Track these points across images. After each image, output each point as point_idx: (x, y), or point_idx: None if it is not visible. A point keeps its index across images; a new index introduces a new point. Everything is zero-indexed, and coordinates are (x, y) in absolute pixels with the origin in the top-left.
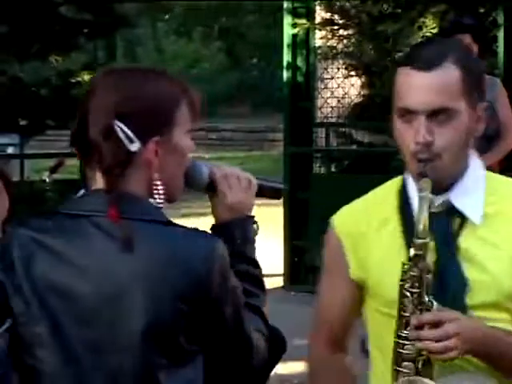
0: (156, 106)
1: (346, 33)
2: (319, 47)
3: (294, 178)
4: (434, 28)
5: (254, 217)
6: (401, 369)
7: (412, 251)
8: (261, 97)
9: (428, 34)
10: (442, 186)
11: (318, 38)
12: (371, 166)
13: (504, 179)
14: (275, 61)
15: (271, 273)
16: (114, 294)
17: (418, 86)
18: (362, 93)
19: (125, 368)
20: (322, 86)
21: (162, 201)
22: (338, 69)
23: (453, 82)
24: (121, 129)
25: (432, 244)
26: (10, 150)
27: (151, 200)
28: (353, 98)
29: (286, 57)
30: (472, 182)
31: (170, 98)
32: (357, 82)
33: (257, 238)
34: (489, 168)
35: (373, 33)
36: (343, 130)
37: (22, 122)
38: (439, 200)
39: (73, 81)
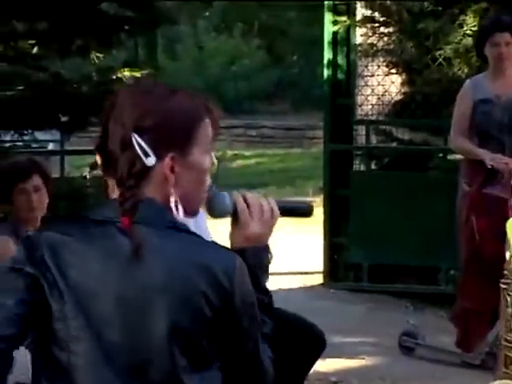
0: (175, 123)
1: (386, 30)
2: (360, 44)
3: (333, 176)
4: (474, 26)
5: (268, 246)
6: (508, 371)
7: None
8: (301, 94)
9: (468, 32)
10: None
11: (359, 36)
12: (411, 163)
13: None
14: (315, 58)
15: (311, 270)
16: (139, 297)
17: None
18: (402, 90)
19: (151, 370)
20: (363, 84)
21: (181, 216)
22: (379, 66)
23: None
24: (137, 142)
25: None
26: (51, 147)
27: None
28: (393, 95)
29: (327, 54)
30: None
31: (190, 115)
32: (397, 79)
33: (298, 235)
34: None
35: (413, 30)
36: (383, 127)
37: (63, 119)
38: None
39: (113, 77)
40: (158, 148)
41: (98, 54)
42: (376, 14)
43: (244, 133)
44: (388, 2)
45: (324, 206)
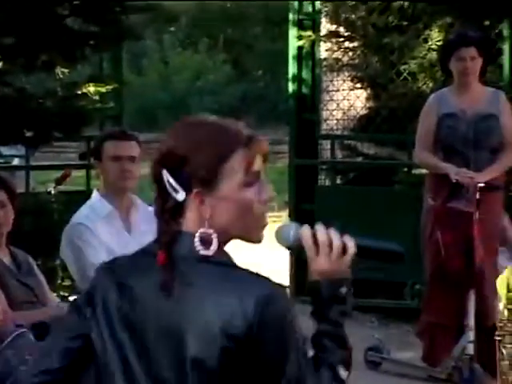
0: (196, 158)
1: (351, 45)
2: (325, 59)
3: (299, 190)
4: (439, 40)
5: (343, 279)
6: None
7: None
8: (266, 109)
9: (433, 47)
10: None
11: (324, 50)
12: (376, 178)
13: None
14: (281, 73)
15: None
16: (169, 329)
17: None
18: (367, 105)
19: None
20: (328, 98)
21: (214, 249)
22: (344, 81)
23: None
24: (167, 178)
25: None
26: (16, 162)
27: (199, 247)
28: (358, 110)
29: (292, 69)
30: None
31: (216, 149)
32: (362, 94)
33: (264, 249)
34: (494, 181)
35: (378, 45)
36: (348, 142)
37: (28, 134)
38: None
39: (78, 92)
40: (185, 184)
41: (62, 69)
42: (341, 29)
43: None
44: (353, 16)
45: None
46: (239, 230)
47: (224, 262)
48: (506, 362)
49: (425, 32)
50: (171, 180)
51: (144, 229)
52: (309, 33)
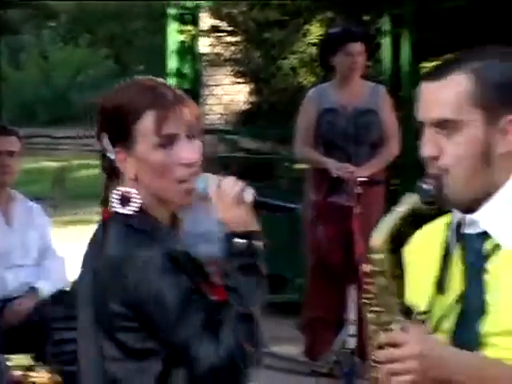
0: (114, 120)
1: (232, 40)
2: (206, 54)
3: None
4: (319, 35)
5: (237, 233)
6: None
7: (368, 267)
8: None
9: (313, 42)
10: (462, 203)
11: (205, 45)
12: (258, 172)
13: None
14: (162, 67)
15: None
16: (86, 284)
17: (422, 97)
18: (249, 100)
19: (90, 355)
20: (208, 93)
21: (134, 209)
22: (225, 76)
23: (457, 93)
24: (102, 138)
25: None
26: None
27: (117, 205)
28: (240, 104)
29: (172, 63)
30: (506, 201)
31: (127, 113)
32: (243, 88)
33: None
34: (374, 175)
35: (259, 40)
36: (230, 136)
37: None
38: (469, 219)
39: None
40: (112, 143)
41: None
42: (222, 24)
43: (89, 143)
44: (234, 11)
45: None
46: (162, 192)
47: (123, 223)
48: (372, 327)
49: (305, 27)
50: (105, 140)
51: (24, 222)
52: (189, 27)
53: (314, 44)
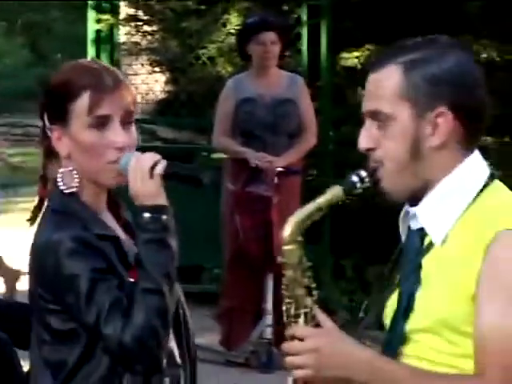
0: (52, 99)
1: (150, 29)
2: (123, 43)
3: None
4: (238, 25)
5: (144, 206)
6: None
7: (279, 258)
8: None
9: (232, 31)
10: (399, 197)
11: (123, 34)
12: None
13: (505, 200)
14: (80, 56)
15: None
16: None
17: (365, 88)
18: (166, 89)
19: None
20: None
21: (75, 186)
22: (142, 65)
23: (390, 85)
24: (43, 117)
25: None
26: None
27: (61, 185)
28: (157, 94)
29: (91, 52)
30: (442, 196)
31: (63, 92)
32: (161, 78)
33: None
34: (292, 165)
35: (177, 29)
36: (147, 126)
37: None
38: (412, 213)
39: None
40: (49, 122)
41: None
42: (140, 13)
43: (7, 131)
44: (151, 1)
45: None
46: (93, 173)
47: (53, 208)
48: (286, 319)
49: (223, 16)
50: (45, 118)
51: None
52: (107, 16)
53: (232, 34)
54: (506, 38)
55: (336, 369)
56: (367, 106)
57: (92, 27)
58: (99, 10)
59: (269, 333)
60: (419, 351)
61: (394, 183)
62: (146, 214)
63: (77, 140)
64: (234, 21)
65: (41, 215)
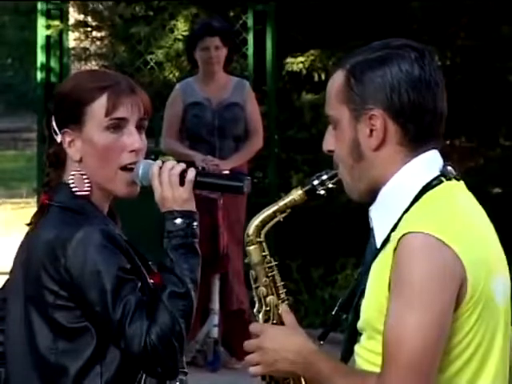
0: (66, 102)
1: (99, 35)
2: (73, 48)
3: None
4: (185, 31)
5: (176, 211)
6: None
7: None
8: (15, 97)
9: (179, 37)
10: (356, 197)
11: (72, 40)
12: None
13: (439, 206)
14: (29, 62)
15: None
16: (16, 272)
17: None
18: None
19: (18, 335)
20: None
21: (87, 190)
22: None
23: (333, 90)
24: (51, 123)
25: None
26: None
27: (78, 190)
28: None
29: (40, 57)
30: (384, 198)
31: (80, 93)
32: None
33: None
34: (237, 168)
35: (126, 35)
36: None
37: None
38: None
39: None
40: (59, 126)
41: None
42: (89, 19)
43: None
44: (100, 7)
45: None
46: (105, 180)
47: (65, 207)
48: (260, 286)
49: (171, 22)
50: (53, 123)
51: None
52: (57, 22)
53: (179, 39)
54: (445, 43)
55: (281, 363)
56: (325, 110)
57: (41, 33)
58: (48, 15)
59: (215, 332)
60: (360, 350)
61: (347, 184)
62: (179, 220)
63: (91, 142)
64: (180, 27)
65: (36, 214)
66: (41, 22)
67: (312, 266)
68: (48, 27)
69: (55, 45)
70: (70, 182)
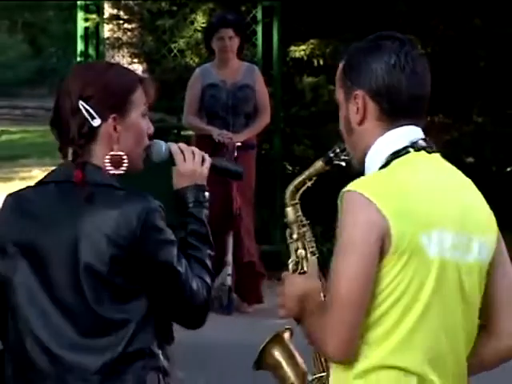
0: (114, 89)
1: (129, 26)
2: (107, 38)
3: None
4: (203, 23)
5: (203, 185)
6: None
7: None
8: (58, 81)
9: (198, 28)
10: (360, 166)
11: (107, 31)
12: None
13: (389, 170)
14: (71, 50)
15: None
16: (68, 241)
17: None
18: None
19: (73, 302)
20: None
21: (124, 169)
22: (123, 57)
23: (337, 77)
24: (84, 107)
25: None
26: None
27: (109, 168)
28: None
29: (80, 46)
30: (366, 166)
31: (126, 83)
32: (139, 68)
33: None
34: (248, 141)
35: (152, 26)
36: None
37: None
38: None
39: None
40: (102, 111)
41: None
42: (121, 13)
43: (10, 112)
44: (131, 2)
45: None
46: (131, 158)
47: (112, 185)
48: (293, 241)
49: (191, 16)
50: (88, 108)
51: None
52: (94, 16)
53: (198, 30)
54: (426, 34)
55: (295, 307)
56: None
57: (81, 25)
58: (87, 10)
59: (229, 280)
60: None
61: (350, 154)
62: (206, 193)
63: (133, 127)
64: (200, 19)
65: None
66: (80, 15)
67: (314, 224)
68: (86, 20)
69: (92, 35)
70: (106, 162)
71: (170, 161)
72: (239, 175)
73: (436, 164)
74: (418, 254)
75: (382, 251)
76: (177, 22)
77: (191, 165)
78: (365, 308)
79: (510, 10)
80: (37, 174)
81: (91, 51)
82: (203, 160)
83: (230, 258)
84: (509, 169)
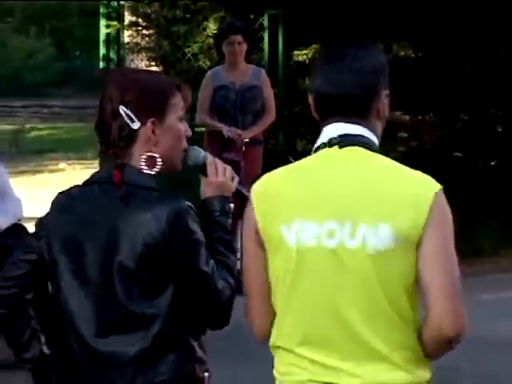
0: (152, 95)
1: (147, 32)
2: (127, 43)
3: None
4: (214, 29)
5: (230, 198)
6: None
7: None
8: (83, 81)
9: (210, 34)
10: None
11: (126, 36)
12: None
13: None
14: (93, 53)
15: None
16: (104, 239)
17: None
18: None
19: (106, 295)
20: None
21: (157, 170)
22: (142, 60)
23: None
24: (124, 111)
25: None
26: None
27: (144, 167)
28: None
29: (102, 51)
30: None
31: (164, 89)
32: (156, 70)
33: None
34: (256, 137)
35: (168, 32)
36: None
37: None
38: None
39: None
40: (141, 115)
41: None
42: (140, 20)
43: (39, 111)
44: (148, 10)
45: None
46: (173, 159)
47: (149, 186)
48: None
49: (204, 23)
50: (128, 112)
51: None
52: (115, 22)
53: (210, 36)
54: (418, 40)
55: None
56: None
57: (103, 31)
58: (108, 17)
59: (238, 264)
60: None
61: None
62: (231, 204)
63: (171, 130)
64: (211, 26)
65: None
66: (102, 22)
67: None
68: (108, 26)
69: (113, 40)
70: (142, 163)
71: (197, 169)
72: (245, 199)
73: (339, 159)
74: (281, 243)
75: (262, 245)
76: (190, 28)
77: (222, 177)
78: (263, 295)
79: (494, 17)
80: (63, 167)
81: (112, 55)
82: (233, 177)
83: (238, 244)
84: (493, 163)
